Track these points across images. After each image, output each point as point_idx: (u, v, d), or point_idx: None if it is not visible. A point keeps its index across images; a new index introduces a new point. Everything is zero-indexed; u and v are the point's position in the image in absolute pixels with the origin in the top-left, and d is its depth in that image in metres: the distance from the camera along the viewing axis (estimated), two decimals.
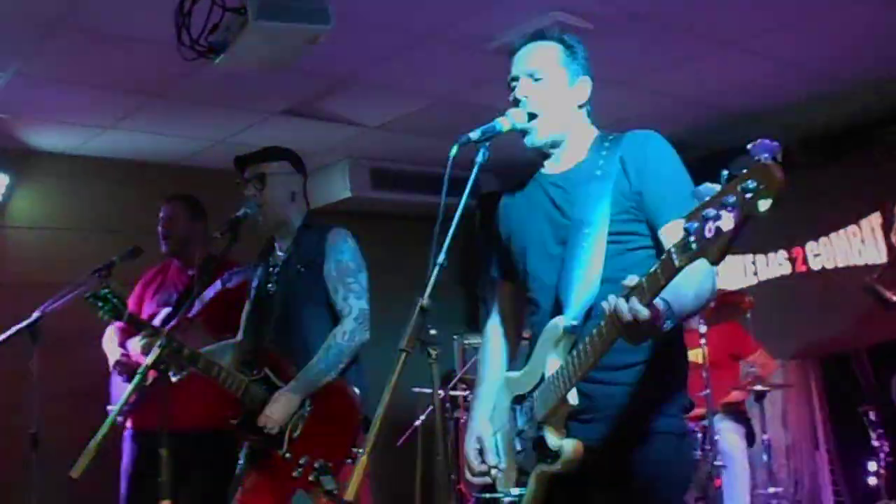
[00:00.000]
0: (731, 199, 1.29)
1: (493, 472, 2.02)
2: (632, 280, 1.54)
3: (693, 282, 1.65)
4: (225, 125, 4.79)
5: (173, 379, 2.86)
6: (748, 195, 1.26)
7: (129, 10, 3.22)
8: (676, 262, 1.44)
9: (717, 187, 1.33)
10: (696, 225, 1.36)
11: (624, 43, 3.83)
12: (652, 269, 1.52)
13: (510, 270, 2.14)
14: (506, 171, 4.39)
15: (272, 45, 2.79)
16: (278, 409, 2.73)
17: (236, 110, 4.56)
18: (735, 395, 4.71)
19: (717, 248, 1.34)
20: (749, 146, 1.28)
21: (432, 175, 5.87)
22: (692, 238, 1.38)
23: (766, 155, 1.26)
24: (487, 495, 4.24)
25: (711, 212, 1.33)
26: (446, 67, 4.16)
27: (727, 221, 1.31)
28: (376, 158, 5.72)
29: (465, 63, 4.08)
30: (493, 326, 2.25)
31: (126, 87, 4.08)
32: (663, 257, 1.48)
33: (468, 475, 2.08)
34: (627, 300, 1.54)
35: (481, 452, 2.05)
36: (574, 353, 1.76)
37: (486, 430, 2.07)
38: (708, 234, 1.34)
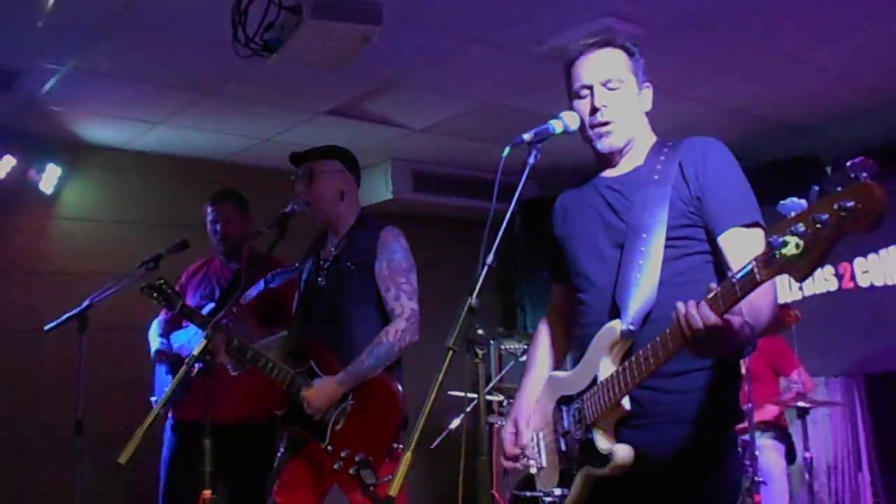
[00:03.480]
0: (825, 216, 1.25)
1: (525, 459, 2.02)
2: (712, 286, 1.51)
3: (764, 296, 1.61)
4: (271, 124, 4.85)
5: (233, 373, 2.91)
6: (844, 214, 1.22)
7: (186, 7, 3.27)
8: (759, 277, 1.40)
9: (804, 203, 1.29)
10: (781, 240, 1.32)
11: (674, 51, 3.80)
12: (729, 280, 1.47)
13: (562, 272, 2.13)
14: (547, 178, 4.39)
15: (326, 44, 2.82)
16: (321, 396, 2.75)
17: (283, 109, 4.62)
18: (770, 410, 4.62)
19: (806, 265, 1.30)
20: (847, 163, 1.24)
21: (474, 179, 5.88)
22: (777, 253, 1.33)
23: (865, 174, 1.22)
24: (528, 493, 4.24)
25: (800, 227, 1.28)
26: (493, 71, 4.16)
27: (819, 238, 1.26)
28: (419, 161, 5.75)
29: (512, 67, 4.07)
30: (545, 325, 2.25)
31: (178, 83, 4.15)
32: (743, 268, 1.44)
33: (502, 460, 2.08)
34: (699, 306, 1.51)
35: (516, 436, 2.05)
36: (632, 358, 1.74)
37: (524, 417, 2.07)
38: (796, 251, 1.29)
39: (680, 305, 1.55)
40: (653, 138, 2.04)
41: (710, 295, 1.51)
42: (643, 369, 1.70)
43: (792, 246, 1.30)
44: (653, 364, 1.67)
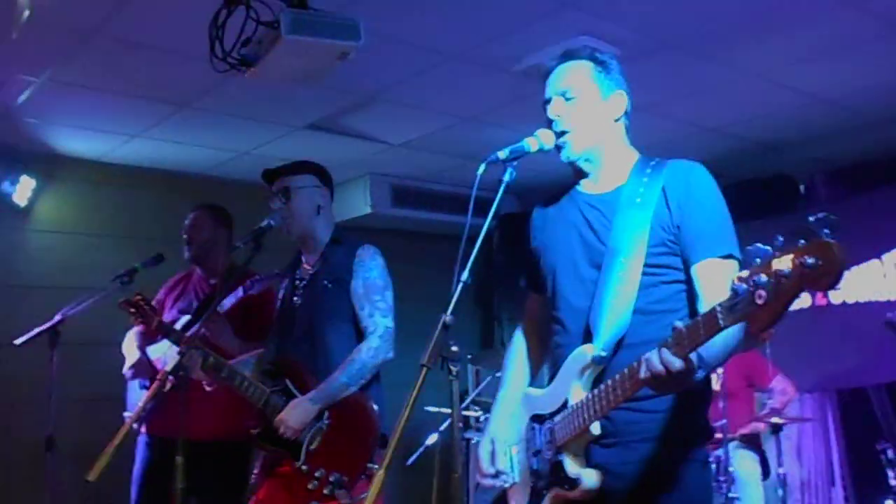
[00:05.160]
0: (787, 270, 1.26)
1: (502, 477, 2.02)
2: (677, 325, 1.52)
3: (725, 334, 1.60)
4: (249, 137, 4.84)
5: (208, 388, 2.89)
6: (806, 270, 1.23)
7: (164, 21, 3.27)
8: (721, 323, 1.42)
9: (769, 249, 1.31)
10: (745, 287, 1.33)
11: (650, 69, 3.85)
12: (694, 322, 1.49)
13: (539, 283, 2.12)
14: (526, 193, 4.42)
15: (303, 60, 2.82)
16: (295, 416, 2.75)
17: (261, 123, 4.61)
18: (753, 427, 4.67)
19: (766, 317, 1.31)
20: (811, 217, 1.25)
21: (452, 194, 5.91)
22: (740, 302, 1.35)
23: (827, 230, 1.24)
24: None
25: (763, 279, 1.29)
26: (471, 88, 4.18)
27: (780, 292, 1.27)
28: (397, 176, 5.76)
29: (490, 84, 4.10)
30: (521, 335, 2.24)
31: (155, 96, 4.13)
32: (708, 313, 1.45)
33: (478, 477, 2.08)
34: (661, 351, 1.53)
35: (493, 454, 2.05)
36: (601, 387, 1.75)
37: (502, 434, 2.06)
38: (758, 301, 1.31)
39: (645, 358, 1.57)
40: (634, 154, 2.03)
41: (674, 338, 1.52)
42: (611, 399, 1.71)
43: (755, 296, 1.31)
44: (619, 397, 1.69)
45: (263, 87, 3.77)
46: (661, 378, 1.55)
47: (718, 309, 1.42)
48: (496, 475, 2.03)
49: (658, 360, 1.54)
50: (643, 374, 1.58)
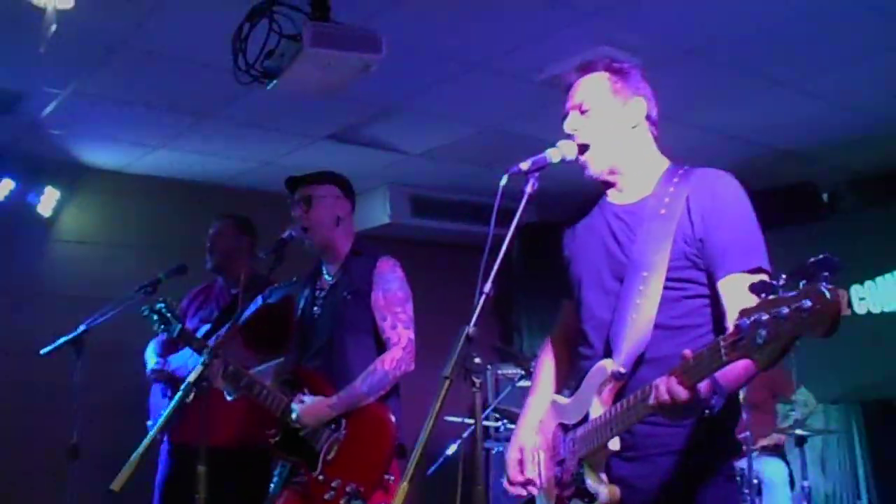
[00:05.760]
0: (785, 311, 1.25)
1: (531, 488, 2.00)
2: (685, 354, 1.51)
3: (736, 367, 1.55)
4: (270, 148, 4.87)
5: (229, 398, 2.90)
6: (803, 315, 1.22)
7: (189, 33, 3.30)
8: (724, 359, 1.41)
9: (777, 284, 1.29)
10: (747, 323, 1.32)
11: (673, 78, 3.83)
12: (698, 355, 1.48)
13: (571, 291, 2.09)
14: (547, 203, 4.40)
15: (325, 72, 2.84)
16: (310, 413, 2.75)
17: (282, 134, 4.64)
18: (777, 438, 4.61)
19: (767, 357, 1.30)
20: (811, 260, 1.24)
21: (472, 204, 5.90)
22: (742, 339, 1.34)
23: (827, 274, 1.22)
24: None
25: (764, 317, 1.29)
26: (492, 98, 4.19)
27: (779, 334, 1.27)
28: (417, 185, 5.77)
29: (510, 94, 4.11)
30: (553, 341, 2.22)
31: (177, 107, 4.17)
32: (712, 346, 1.45)
33: (506, 484, 2.05)
34: (668, 380, 1.52)
35: (521, 463, 2.03)
36: (619, 405, 1.73)
37: (529, 441, 2.04)
38: (758, 340, 1.30)
39: (654, 385, 1.57)
40: (662, 162, 1.99)
41: (681, 367, 1.51)
42: (626, 418, 1.70)
43: (756, 335, 1.30)
44: (634, 417, 1.68)
45: (284, 97, 3.79)
46: (667, 407, 1.54)
47: (722, 344, 1.41)
48: (525, 483, 2.01)
49: (665, 388, 1.53)
50: (651, 401, 1.58)
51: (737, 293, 1.71)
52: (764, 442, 4.59)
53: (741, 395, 4.18)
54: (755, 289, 1.31)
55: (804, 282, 1.23)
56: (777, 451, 4.67)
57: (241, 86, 2.95)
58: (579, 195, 2.15)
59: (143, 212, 5.22)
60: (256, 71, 2.88)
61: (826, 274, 1.21)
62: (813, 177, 5.49)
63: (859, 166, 5.30)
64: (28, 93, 3.89)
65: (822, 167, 5.31)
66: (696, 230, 1.81)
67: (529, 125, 4.41)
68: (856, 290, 5.32)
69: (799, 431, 4.47)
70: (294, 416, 2.76)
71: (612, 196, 2.01)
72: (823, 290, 1.20)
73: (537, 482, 2.00)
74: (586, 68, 2.01)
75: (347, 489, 2.66)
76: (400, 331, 2.82)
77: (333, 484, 2.69)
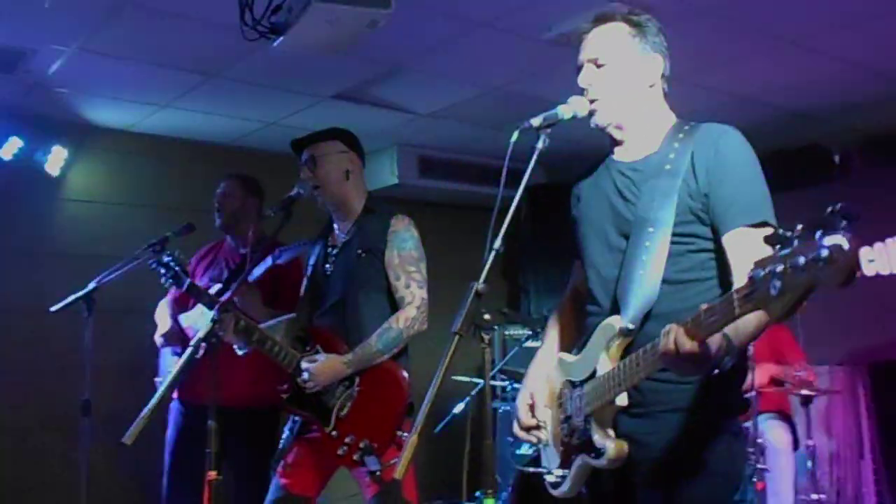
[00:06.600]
0: (801, 261, 1.21)
1: (540, 433, 2.01)
2: (701, 308, 1.49)
3: (749, 320, 1.55)
4: (276, 108, 4.84)
5: (239, 353, 2.92)
6: (820, 264, 1.19)
7: None
8: (737, 311, 1.39)
9: (791, 234, 1.26)
10: (761, 274, 1.29)
11: (683, 37, 3.73)
12: (710, 308, 1.47)
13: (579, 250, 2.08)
14: (556, 164, 4.38)
15: (333, 28, 2.81)
16: (324, 371, 2.77)
17: (288, 93, 4.61)
18: (773, 399, 4.62)
19: (780, 308, 1.27)
20: (830, 207, 1.20)
21: (480, 164, 5.87)
22: (756, 290, 1.31)
23: (845, 223, 1.18)
24: (531, 469, 4.29)
25: (779, 268, 1.25)
26: (500, 56, 4.14)
27: (794, 284, 1.23)
28: (424, 146, 5.74)
29: (519, 53, 4.06)
30: (566, 299, 2.22)
31: (184, 66, 4.14)
32: (725, 299, 1.43)
33: (516, 429, 2.07)
34: (676, 329, 1.51)
35: (532, 408, 2.04)
36: (627, 361, 1.74)
37: (540, 388, 2.05)
38: (773, 292, 1.27)
39: (663, 332, 1.55)
40: (670, 119, 1.97)
41: (693, 319, 1.50)
42: (634, 373, 1.70)
43: (770, 286, 1.27)
44: (641, 372, 1.68)
45: (291, 56, 3.76)
46: (671, 357, 1.53)
47: (735, 297, 1.39)
48: (536, 427, 2.02)
49: (672, 338, 1.52)
50: (659, 350, 1.57)
51: (741, 247, 1.72)
52: (769, 406, 4.59)
53: (749, 351, 4.21)
54: (770, 240, 1.29)
55: (820, 231, 1.20)
56: (782, 413, 4.69)
57: (247, 42, 2.92)
58: (588, 156, 2.13)
59: (150, 171, 5.22)
60: (263, 27, 2.86)
61: (844, 223, 1.18)
62: (824, 138, 5.43)
63: (871, 128, 5.24)
64: (34, 50, 3.86)
65: (833, 128, 5.26)
66: (701, 185, 1.80)
67: (538, 85, 4.36)
68: (865, 252, 5.30)
69: (805, 392, 4.49)
70: (304, 374, 2.77)
71: (617, 154, 1.99)
72: (842, 238, 1.18)
73: (545, 431, 2.01)
74: (603, 19, 1.96)
75: (361, 445, 2.69)
76: (414, 290, 2.82)
77: (347, 440, 2.72)
